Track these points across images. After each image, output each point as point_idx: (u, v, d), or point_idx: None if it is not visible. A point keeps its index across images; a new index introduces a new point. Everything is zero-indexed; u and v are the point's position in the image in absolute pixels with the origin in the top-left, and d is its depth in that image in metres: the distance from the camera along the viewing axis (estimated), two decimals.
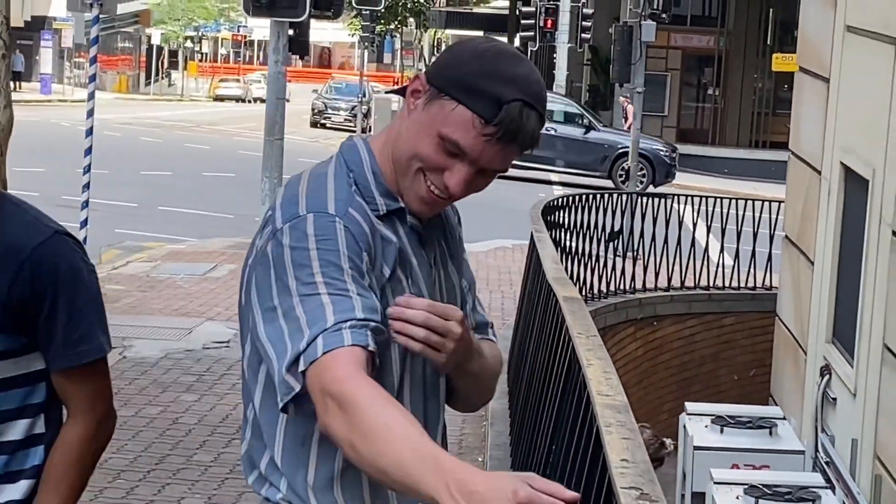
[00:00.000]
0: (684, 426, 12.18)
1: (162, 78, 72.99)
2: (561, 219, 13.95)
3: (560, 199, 14.31)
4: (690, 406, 12.57)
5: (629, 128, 36.93)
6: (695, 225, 16.61)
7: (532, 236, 10.07)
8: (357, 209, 2.60)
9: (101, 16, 13.64)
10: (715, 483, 10.37)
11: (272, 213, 2.63)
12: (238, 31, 79.88)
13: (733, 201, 16.67)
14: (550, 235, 11.56)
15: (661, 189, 18.79)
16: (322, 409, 2.42)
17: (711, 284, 16.03)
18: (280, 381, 2.48)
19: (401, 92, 2.69)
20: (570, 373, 5.08)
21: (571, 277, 13.13)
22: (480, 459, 8.24)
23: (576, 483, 4.05)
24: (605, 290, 14.62)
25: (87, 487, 6.92)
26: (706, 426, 11.92)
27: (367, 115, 41.82)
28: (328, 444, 2.53)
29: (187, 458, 8.07)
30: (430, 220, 2.73)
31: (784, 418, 12.33)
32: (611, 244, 15.43)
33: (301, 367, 2.45)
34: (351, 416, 2.36)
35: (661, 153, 31.55)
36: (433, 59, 2.76)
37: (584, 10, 35.11)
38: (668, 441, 8.65)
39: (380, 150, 2.69)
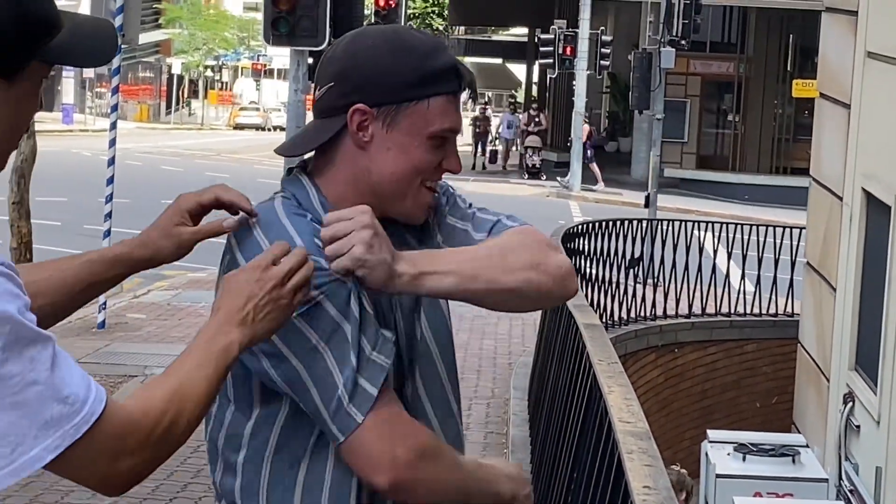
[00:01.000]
0: (706, 454, 12.13)
1: (182, 107, 73.27)
2: (581, 245, 13.93)
3: (580, 226, 14.30)
4: (712, 434, 12.52)
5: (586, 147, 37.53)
6: (716, 251, 16.57)
7: None
8: (316, 233, 2.46)
9: (122, 46, 13.69)
10: None
11: (229, 255, 2.52)
12: (258, 59, 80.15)
13: (754, 228, 16.64)
14: (571, 262, 11.54)
15: (682, 215, 18.81)
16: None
17: (733, 311, 15.99)
18: (340, 415, 2.42)
19: (319, 149, 2.55)
20: (591, 400, 5.07)
21: (592, 304, 13.11)
22: None
23: None
24: (625, 317, 14.59)
25: None
26: (728, 454, 11.87)
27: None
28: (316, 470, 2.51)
29: (208, 485, 8.06)
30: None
31: (807, 446, 12.27)
32: (631, 271, 15.41)
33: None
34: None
35: None
36: (345, 83, 2.49)
37: (603, 38, 35.12)
38: (675, 466, 8.57)
39: (336, 195, 2.53)
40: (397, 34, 2.54)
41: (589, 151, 36.93)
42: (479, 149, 44.30)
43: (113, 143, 13.36)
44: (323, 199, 2.52)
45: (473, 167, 41.84)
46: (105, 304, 13.17)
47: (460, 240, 2.64)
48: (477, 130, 44.47)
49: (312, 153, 2.60)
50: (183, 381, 2.16)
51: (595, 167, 36.88)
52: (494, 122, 47.32)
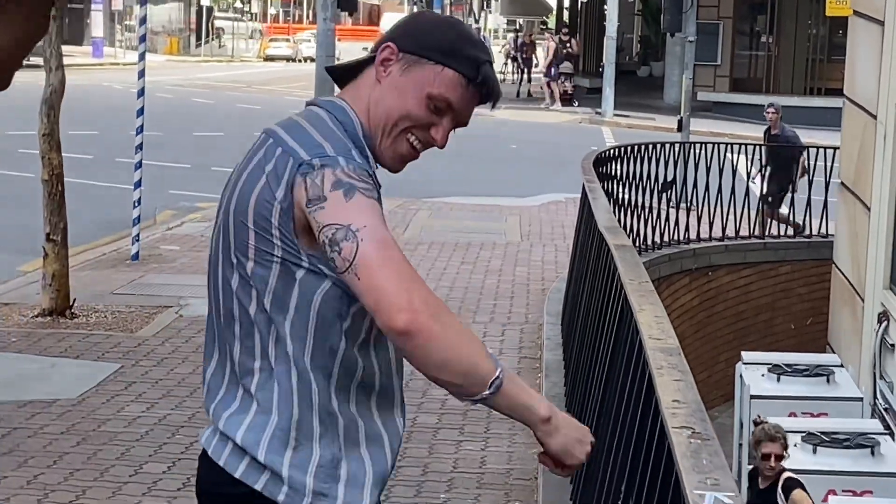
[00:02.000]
0: (741, 375, 12.14)
1: (212, 39, 73.11)
2: (613, 170, 13.88)
3: (612, 151, 14.23)
4: (747, 355, 12.52)
5: (548, 67, 37.41)
6: (749, 174, 16.48)
7: (584, 188, 10.03)
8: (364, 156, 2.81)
9: None
10: None
11: (281, 149, 2.79)
12: None
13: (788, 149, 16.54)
14: (602, 187, 11.51)
15: (714, 138, 18.67)
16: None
17: (767, 233, 15.92)
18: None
19: (354, 72, 2.90)
20: (622, 320, 5.06)
21: (625, 229, 13.07)
22: None
23: (629, 427, 4.04)
24: (658, 241, 14.55)
25: (145, 443, 6.93)
26: (763, 375, 11.88)
27: None
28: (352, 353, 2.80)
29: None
30: None
31: (841, 366, 12.26)
32: (664, 195, 15.35)
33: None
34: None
35: None
36: (395, 30, 2.93)
37: None
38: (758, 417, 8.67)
39: (363, 116, 2.86)
40: (457, 21, 2.97)
41: (552, 70, 37.31)
42: (526, 76, 42.90)
43: (142, 74, 13.34)
44: (364, 128, 2.84)
45: (518, 95, 41.15)
46: (138, 236, 13.22)
47: None
48: (524, 56, 42.90)
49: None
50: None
51: (554, 86, 37.18)
52: (540, 51, 45.73)
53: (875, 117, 12.43)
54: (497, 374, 2.65)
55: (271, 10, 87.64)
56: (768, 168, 16.55)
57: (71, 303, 10.60)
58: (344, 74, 2.93)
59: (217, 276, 2.85)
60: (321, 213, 2.67)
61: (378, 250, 2.62)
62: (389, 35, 2.90)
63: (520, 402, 2.69)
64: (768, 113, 17.02)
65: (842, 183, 13.84)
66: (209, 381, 2.91)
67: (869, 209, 12.47)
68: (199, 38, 70.96)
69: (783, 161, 16.53)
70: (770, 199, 16.08)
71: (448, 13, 74.72)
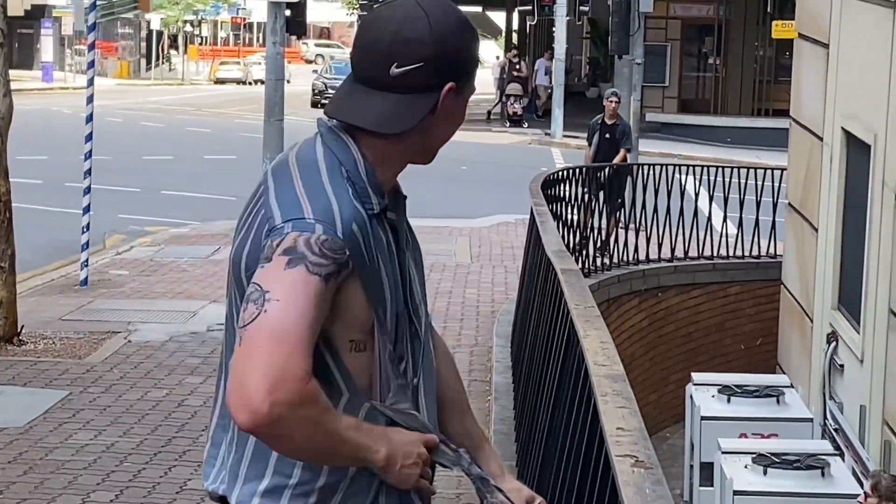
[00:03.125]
0: (691, 396, 12.18)
1: (162, 63, 72.89)
2: (562, 192, 13.91)
3: (561, 173, 14.27)
4: (697, 376, 12.56)
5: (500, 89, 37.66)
6: (697, 195, 16.57)
7: (532, 211, 10.06)
8: (356, 217, 2.71)
9: (98, 2, 13.61)
10: (723, 453, 10.37)
11: (265, 211, 2.73)
12: (237, 13, 79.69)
13: (736, 170, 16.64)
14: (551, 209, 11.55)
15: (664, 159, 18.73)
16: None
17: (716, 254, 16.00)
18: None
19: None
20: (569, 345, 5.07)
21: (573, 250, 13.12)
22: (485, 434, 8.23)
23: (575, 454, 4.04)
24: (608, 263, 14.59)
25: (93, 471, 6.91)
26: (713, 396, 11.92)
27: None
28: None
29: (193, 440, 8.07)
30: (397, 206, 2.86)
31: (791, 386, 12.32)
32: (613, 216, 15.40)
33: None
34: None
35: None
36: (433, 66, 2.77)
37: None
38: None
39: (375, 150, 2.78)
40: (464, 16, 2.84)
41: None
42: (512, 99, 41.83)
43: (90, 99, 13.29)
44: (368, 165, 2.76)
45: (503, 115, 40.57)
46: (87, 261, 13.15)
47: None
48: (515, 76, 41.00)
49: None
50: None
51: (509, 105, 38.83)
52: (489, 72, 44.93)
53: (821, 139, 12.53)
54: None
55: (221, 34, 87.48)
56: (593, 155, 16.37)
57: (19, 329, 10.52)
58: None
59: (228, 322, 2.85)
60: (260, 271, 2.66)
61: (269, 332, 2.60)
62: (439, 70, 2.76)
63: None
64: (611, 101, 16.56)
65: (789, 204, 13.94)
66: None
67: (816, 230, 12.56)
68: (149, 61, 70.75)
69: (613, 153, 16.34)
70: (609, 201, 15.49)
71: None
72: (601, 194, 15.05)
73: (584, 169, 15.05)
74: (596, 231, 14.45)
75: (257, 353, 2.58)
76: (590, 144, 16.62)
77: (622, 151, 16.61)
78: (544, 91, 40.05)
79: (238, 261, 2.76)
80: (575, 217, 14.11)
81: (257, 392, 2.55)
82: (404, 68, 2.73)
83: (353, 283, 2.72)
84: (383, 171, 2.78)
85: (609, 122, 16.49)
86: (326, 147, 2.79)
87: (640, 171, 15.77)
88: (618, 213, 15.35)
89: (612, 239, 14.71)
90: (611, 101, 16.55)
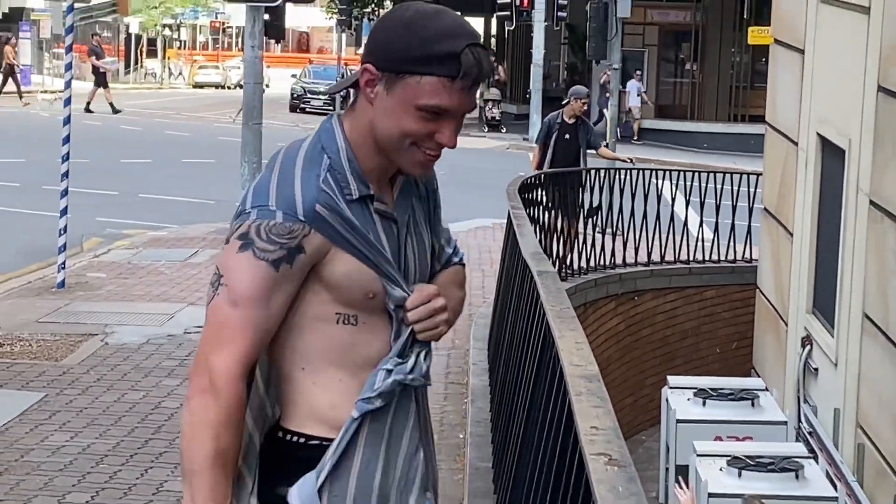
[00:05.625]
0: (667, 399, 12.23)
1: (141, 66, 72.77)
2: (539, 196, 13.95)
3: (537, 177, 14.31)
4: (673, 379, 12.61)
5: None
6: (674, 199, 16.64)
7: (509, 214, 10.09)
8: (321, 199, 2.85)
9: (76, 5, 13.61)
10: (698, 455, 10.42)
11: (245, 194, 2.92)
12: (216, 17, 79.61)
13: (712, 175, 16.71)
14: (528, 213, 11.58)
15: (640, 165, 18.76)
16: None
17: (692, 258, 16.07)
18: None
19: (352, 86, 2.92)
20: (545, 346, 5.11)
21: (550, 254, 13.15)
22: (462, 436, 8.27)
23: (550, 453, 4.08)
24: (584, 266, 14.64)
25: (69, 472, 6.92)
26: (688, 399, 11.97)
27: (345, 99, 41.73)
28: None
29: (169, 441, 8.09)
30: (402, 189, 2.99)
31: (766, 389, 12.38)
32: (590, 220, 15.44)
33: None
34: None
35: None
36: (368, 44, 2.89)
37: None
38: None
39: (355, 138, 2.90)
40: (423, 14, 2.83)
41: None
42: None
43: (68, 102, 13.29)
44: (346, 142, 2.88)
45: None
46: (64, 263, 13.14)
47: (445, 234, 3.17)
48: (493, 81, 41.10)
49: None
50: None
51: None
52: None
53: (796, 144, 12.59)
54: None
55: (200, 38, 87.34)
56: (551, 155, 15.59)
57: None
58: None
59: None
60: (221, 253, 2.91)
61: (218, 310, 2.85)
62: (366, 52, 2.89)
63: None
64: (583, 103, 15.81)
65: (765, 208, 14.00)
66: None
67: (791, 234, 12.62)
68: (127, 65, 70.61)
69: (573, 154, 15.61)
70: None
71: None
72: (570, 197, 14.85)
73: (561, 172, 15.04)
74: (573, 235, 14.49)
75: (207, 333, 2.87)
76: (543, 147, 15.74)
77: (603, 148, 16.54)
78: (638, 111, 37.92)
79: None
80: (552, 221, 14.13)
81: (202, 365, 2.84)
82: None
83: (332, 260, 2.86)
84: (364, 158, 2.89)
85: (570, 121, 15.72)
86: (318, 138, 2.92)
87: (617, 175, 15.82)
88: (578, 216, 15.08)
89: (578, 241, 14.56)
90: (583, 103, 15.93)
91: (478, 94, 38.09)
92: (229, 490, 2.85)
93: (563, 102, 16.14)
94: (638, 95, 37.67)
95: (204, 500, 2.81)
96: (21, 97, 40.19)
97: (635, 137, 37.14)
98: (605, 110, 37.19)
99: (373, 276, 2.89)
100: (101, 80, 39.97)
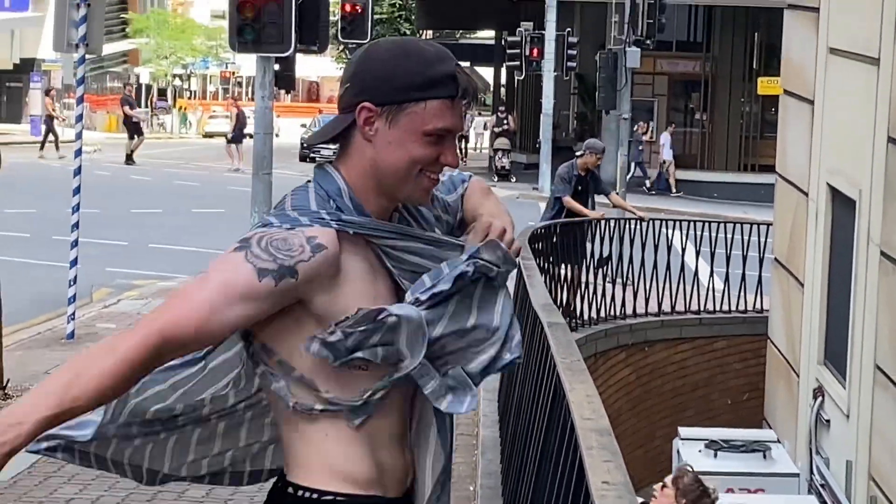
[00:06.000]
0: (678, 451, 12.18)
1: (151, 116, 73.05)
2: (548, 246, 13.94)
3: (547, 227, 14.31)
4: (684, 431, 12.57)
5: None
6: (684, 249, 16.63)
7: (519, 265, 10.08)
8: (330, 234, 2.82)
9: (87, 56, 13.66)
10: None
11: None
12: (226, 67, 79.98)
13: (722, 225, 16.70)
14: (538, 263, 11.57)
15: (650, 214, 18.77)
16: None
17: (702, 308, 16.04)
18: None
19: (335, 140, 2.92)
20: (555, 399, 5.09)
21: (560, 304, 13.13)
22: (472, 488, 8.23)
23: None
24: (595, 317, 14.61)
25: None
26: (700, 451, 11.92)
27: None
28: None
29: (178, 493, 8.05)
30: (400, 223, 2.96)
31: (778, 441, 12.33)
32: (600, 270, 15.43)
33: None
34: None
35: None
36: (359, 82, 2.88)
37: (570, 39, 35.17)
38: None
39: (354, 181, 2.89)
40: (406, 44, 2.89)
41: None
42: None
43: (79, 153, 13.33)
44: (347, 185, 2.87)
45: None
46: (74, 314, 13.13)
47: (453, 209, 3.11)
48: (502, 131, 40.29)
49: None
50: None
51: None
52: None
53: (807, 194, 12.59)
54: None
55: (210, 88, 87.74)
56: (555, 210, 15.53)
57: (4, 383, 10.50)
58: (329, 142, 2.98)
59: None
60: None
61: (184, 287, 2.80)
62: (356, 92, 2.85)
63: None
64: (595, 155, 15.73)
65: (775, 259, 13.99)
66: None
67: (802, 285, 12.60)
68: None
69: (585, 204, 15.50)
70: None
71: None
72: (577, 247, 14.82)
73: (571, 222, 15.01)
74: (583, 285, 14.47)
75: (168, 299, 2.79)
76: (572, 195, 15.63)
77: (614, 195, 16.60)
78: (672, 164, 37.15)
79: None
80: (562, 271, 14.12)
81: (153, 314, 2.75)
82: (341, 89, 2.90)
83: (332, 296, 2.80)
84: (366, 200, 2.88)
85: (582, 173, 15.71)
86: (316, 182, 2.91)
87: (627, 225, 15.81)
88: (584, 265, 15.03)
89: (587, 290, 14.54)
90: (598, 158, 15.94)
91: (487, 144, 38.12)
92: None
93: (578, 154, 16.11)
94: (671, 148, 37.15)
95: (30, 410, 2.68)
96: (58, 148, 40.16)
97: (674, 190, 36.47)
98: (643, 164, 37.10)
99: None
100: (135, 130, 39.95)
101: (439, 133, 2.84)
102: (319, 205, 2.85)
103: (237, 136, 39.44)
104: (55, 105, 44.74)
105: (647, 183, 36.83)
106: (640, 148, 36.76)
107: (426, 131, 2.82)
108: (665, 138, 37.06)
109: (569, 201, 15.35)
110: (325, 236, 2.80)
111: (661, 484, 8.56)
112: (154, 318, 2.73)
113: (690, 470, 8.48)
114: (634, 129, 36.79)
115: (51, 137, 40.95)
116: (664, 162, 37.07)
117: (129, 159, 38.76)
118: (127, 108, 40.03)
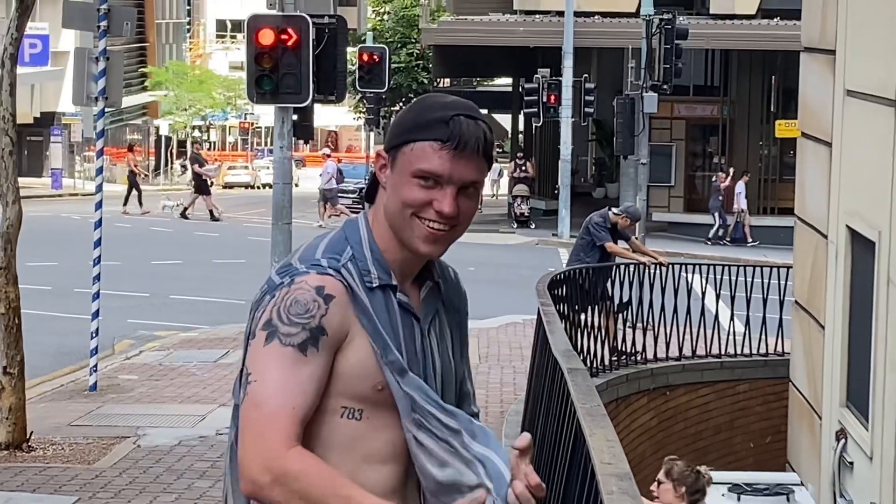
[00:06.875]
0: None
1: (171, 168, 73.36)
2: (568, 292, 13.95)
3: (567, 273, 14.33)
4: None
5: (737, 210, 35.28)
6: (704, 293, 16.61)
7: (539, 311, 10.09)
8: (347, 272, 2.89)
9: (106, 109, 13.77)
10: None
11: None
12: (245, 118, 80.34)
13: (742, 268, 16.68)
14: (558, 309, 11.57)
15: (670, 259, 18.79)
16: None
17: (723, 352, 16.01)
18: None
19: (372, 194, 2.99)
20: (576, 444, 5.09)
21: (581, 350, 13.13)
22: None
23: None
24: (616, 362, 14.60)
25: None
26: (723, 495, 11.88)
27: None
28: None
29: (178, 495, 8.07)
30: (429, 292, 2.99)
31: (802, 484, 12.28)
32: (621, 315, 15.42)
33: None
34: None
35: None
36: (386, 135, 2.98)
37: (587, 85, 35.29)
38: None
39: (377, 229, 2.95)
40: (430, 95, 2.98)
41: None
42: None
43: (99, 205, 13.41)
44: (369, 232, 2.94)
45: None
46: (96, 366, 13.18)
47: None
48: (521, 178, 40.29)
49: None
50: None
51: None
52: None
53: (826, 237, 12.59)
54: None
55: (230, 139, 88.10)
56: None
57: (28, 436, 10.54)
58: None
59: None
60: (248, 350, 2.90)
61: (249, 409, 2.81)
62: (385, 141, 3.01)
63: None
64: (630, 220, 16.22)
65: (796, 301, 13.97)
66: None
67: (823, 327, 12.58)
68: (157, 167, 71.21)
69: (610, 255, 15.93)
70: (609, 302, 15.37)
71: None
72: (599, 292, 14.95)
73: (590, 269, 15.04)
74: (604, 331, 14.47)
75: (246, 436, 2.80)
76: (615, 240, 16.14)
77: (634, 240, 16.75)
78: (746, 214, 36.58)
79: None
80: (582, 316, 14.13)
81: (254, 466, 2.76)
82: None
83: (348, 346, 2.86)
84: (386, 249, 2.92)
85: (611, 226, 16.08)
86: (342, 229, 2.98)
87: (647, 270, 15.83)
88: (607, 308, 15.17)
89: (619, 337, 14.69)
90: (630, 225, 16.36)
91: (505, 190, 38.23)
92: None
93: (616, 212, 16.23)
94: (746, 197, 36.31)
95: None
96: (141, 204, 40.47)
97: (750, 240, 35.76)
98: (725, 215, 36.54)
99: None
100: (202, 187, 40.05)
101: (425, 175, 2.86)
102: (328, 250, 2.90)
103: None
104: (135, 160, 44.97)
105: (722, 232, 36.01)
106: (720, 198, 36.25)
107: (412, 172, 2.85)
108: (741, 187, 36.18)
109: (613, 247, 15.67)
110: (330, 284, 2.86)
111: (655, 483, 8.75)
112: (263, 457, 2.78)
113: (675, 458, 8.79)
114: (713, 179, 36.59)
115: (134, 192, 41.18)
116: (741, 211, 36.23)
117: (184, 215, 39.13)
118: (196, 167, 40.28)
